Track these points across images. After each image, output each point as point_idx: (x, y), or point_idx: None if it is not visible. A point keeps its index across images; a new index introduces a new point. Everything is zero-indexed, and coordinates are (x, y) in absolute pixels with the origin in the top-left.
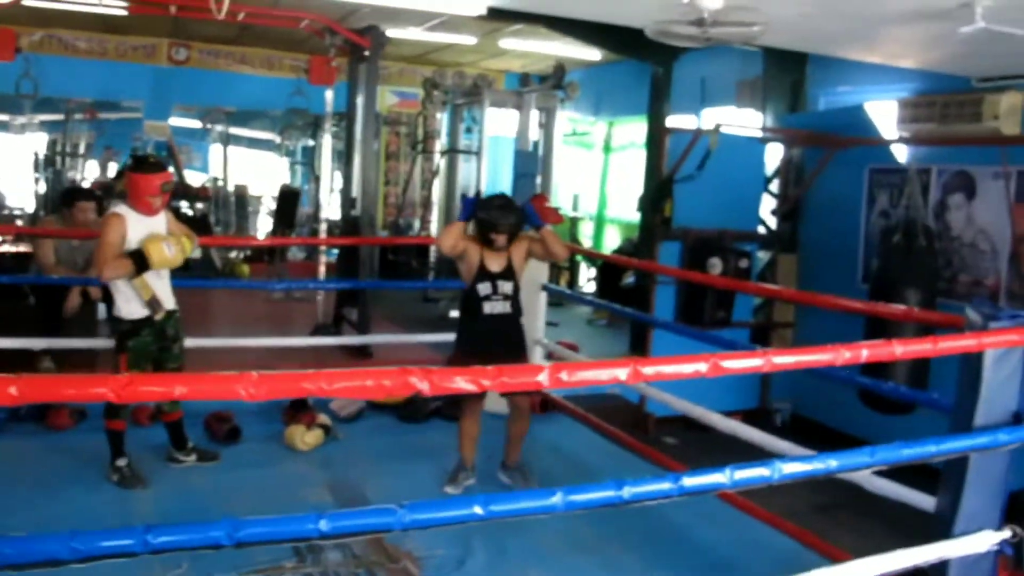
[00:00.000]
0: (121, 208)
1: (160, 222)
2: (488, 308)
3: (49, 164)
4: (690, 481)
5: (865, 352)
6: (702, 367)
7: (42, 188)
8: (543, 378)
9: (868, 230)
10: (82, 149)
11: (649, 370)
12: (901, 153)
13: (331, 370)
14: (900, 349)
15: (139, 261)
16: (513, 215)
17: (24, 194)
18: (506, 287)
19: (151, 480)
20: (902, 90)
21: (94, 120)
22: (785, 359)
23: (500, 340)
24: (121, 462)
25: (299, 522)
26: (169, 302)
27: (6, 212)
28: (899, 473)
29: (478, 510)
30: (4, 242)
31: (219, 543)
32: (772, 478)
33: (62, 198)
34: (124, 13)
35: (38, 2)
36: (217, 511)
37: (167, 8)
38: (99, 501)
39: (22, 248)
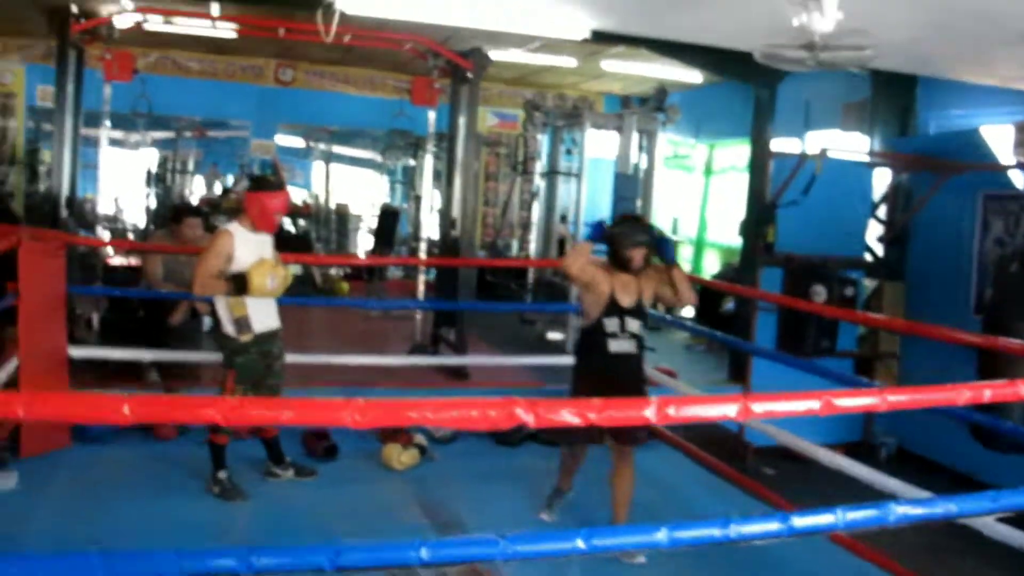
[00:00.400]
0: (231, 225)
1: (267, 242)
2: (615, 347)
3: (159, 180)
4: (800, 521)
5: (988, 392)
6: (814, 405)
7: (153, 203)
8: (650, 413)
9: (982, 259)
10: (191, 166)
11: (759, 407)
12: (1019, 179)
13: (436, 399)
14: None
15: (239, 285)
16: (649, 233)
17: (136, 209)
18: (634, 325)
19: (250, 494)
20: (1020, 114)
21: (202, 138)
22: (901, 398)
23: (624, 383)
24: (222, 475)
25: (400, 549)
26: (272, 321)
27: (120, 226)
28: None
29: (580, 544)
30: (118, 254)
31: (321, 567)
32: (886, 520)
33: (170, 214)
34: (234, 36)
35: (156, 26)
36: (313, 529)
37: (275, 31)
38: (199, 513)
39: (133, 262)
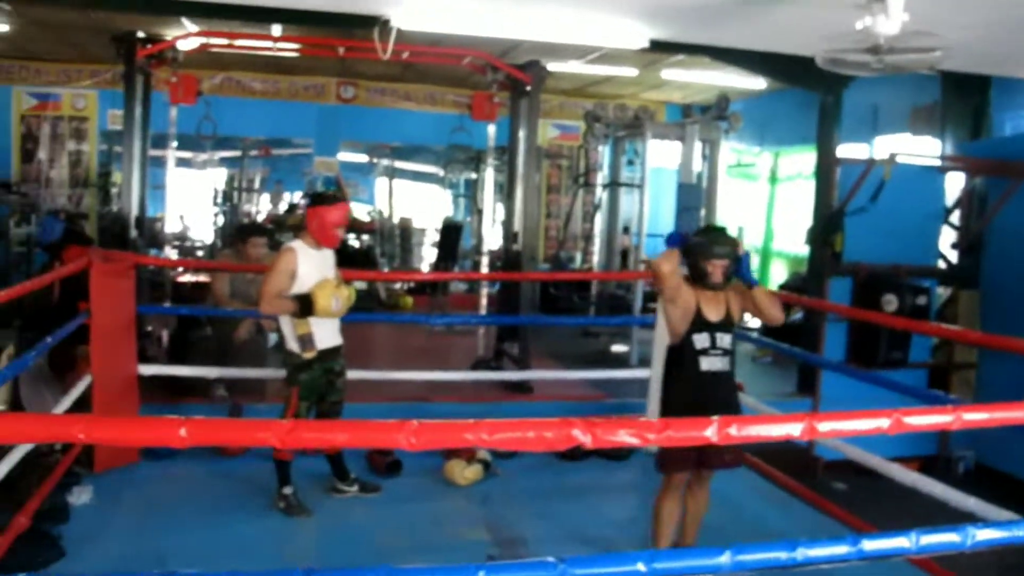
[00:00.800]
0: (295, 243)
1: (330, 257)
2: (706, 364)
3: (227, 199)
4: (871, 545)
5: None
6: (883, 424)
7: (220, 221)
8: (711, 433)
9: None
10: (256, 184)
11: (825, 427)
12: None
13: (491, 420)
14: None
15: (304, 306)
16: (731, 244)
17: (204, 227)
18: (725, 340)
19: (314, 510)
20: None
21: (268, 157)
22: (977, 416)
23: (718, 404)
24: (287, 490)
25: (457, 572)
26: (334, 338)
27: (188, 244)
28: None
29: (641, 567)
30: (186, 272)
31: None
32: (964, 544)
33: (236, 233)
34: (296, 55)
35: (219, 48)
36: (377, 545)
37: (335, 49)
38: (263, 530)
39: (202, 279)
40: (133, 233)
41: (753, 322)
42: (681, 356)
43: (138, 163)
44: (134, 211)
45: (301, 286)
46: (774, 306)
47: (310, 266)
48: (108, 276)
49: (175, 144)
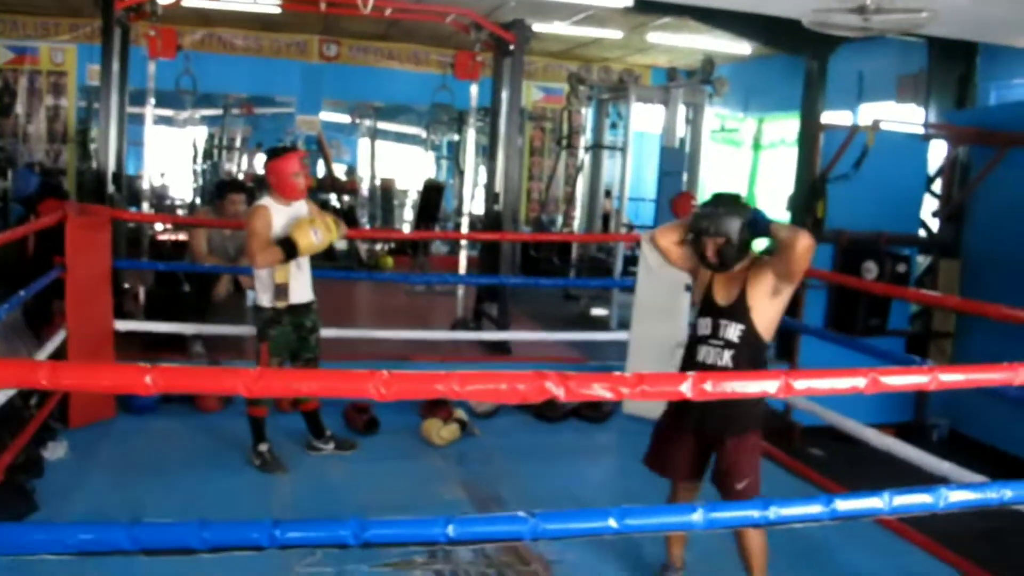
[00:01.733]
0: (265, 200)
1: (302, 209)
2: (702, 355)
3: (208, 157)
4: (843, 505)
5: None
6: (860, 383)
7: (200, 180)
8: (686, 388)
9: None
10: (238, 143)
11: (801, 384)
12: None
13: (464, 371)
14: None
15: (288, 248)
16: (716, 217)
17: (184, 186)
18: (731, 331)
19: (290, 467)
20: None
21: (250, 115)
22: (954, 377)
23: (706, 410)
24: (262, 447)
25: (427, 525)
26: (306, 294)
27: (168, 203)
28: None
29: (612, 523)
30: (165, 231)
31: (345, 542)
32: (936, 506)
33: (215, 190)
34: (278, 11)
35: (199, 2)
36: (351, 502)
37: (317, 4)
38: (240, 485)
39: (181, 237)
40: (110, 188)
41: None
42: (688, 340)
43: (116, 118)
44: (111, 167)
45: (288, 228)
46: (790, 231)
47: (282, 219)
48: (84, 230)
49: (153, 100)
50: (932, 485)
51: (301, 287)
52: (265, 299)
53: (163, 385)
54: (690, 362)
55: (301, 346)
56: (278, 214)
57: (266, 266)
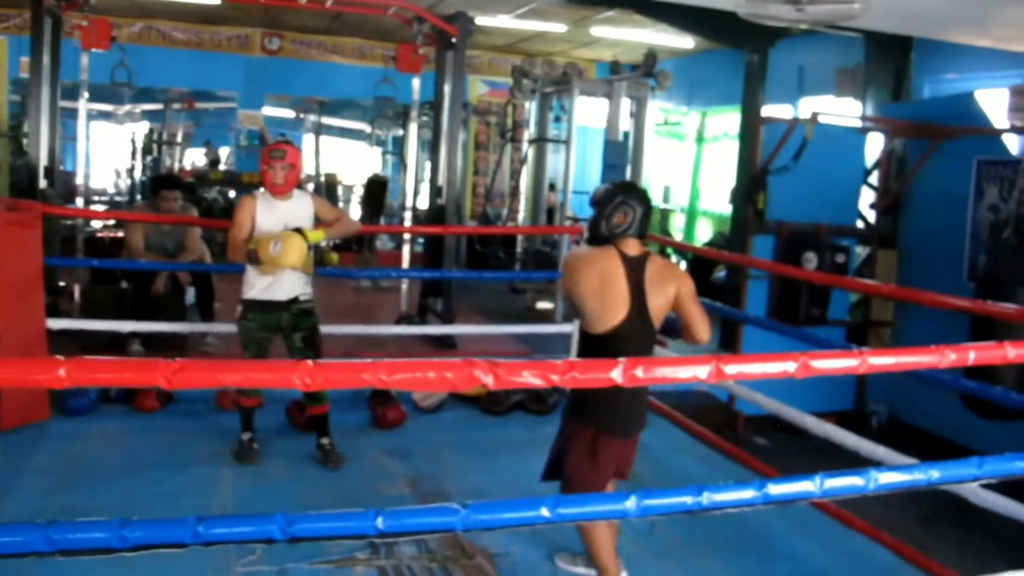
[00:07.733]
0: (257, 191)
1: (292, 207)
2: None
3: (147, 152)
4: (776, 489)
5: (973, 354)
6: (790, 367)
7: (141, 175)
8: (616, 375)
9: (975, 226)
10: (179, 138)
11: (732, 369)
12: (1013, 144)
13: (391, 360)
14: (1013, 352)
15: (250, 257)
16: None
17: (122, 182)
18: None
19: (224, 464)
20: (1015, 77)
21: (192, 110)
22: (883, 360)
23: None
24: (245, 436)
25: (356, 519)
26: (282, 293)
27: (106, 198)
28: (1012, 486)
29: (545, 512)
30: (104, 228)
31: (272, 537)
32: (866, 488)
33: (150, 185)
34: (218, 2)
35: None
36: (293, 500)
37: None
38: (179, 485)
39: (120, 234)
40: (42, 183)
41: None
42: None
43: (47, 111)
44: (43, 161)
45: (258, 235)
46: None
47: (266, 215)
48: (13, 226)
49: (87, 94)
50: (864, 468)
51: (277, 283)
52: (244, 289)
53: (78, 378)
54: None
55: (288, 344)
56: (264, 206)
57: (237, 261)
